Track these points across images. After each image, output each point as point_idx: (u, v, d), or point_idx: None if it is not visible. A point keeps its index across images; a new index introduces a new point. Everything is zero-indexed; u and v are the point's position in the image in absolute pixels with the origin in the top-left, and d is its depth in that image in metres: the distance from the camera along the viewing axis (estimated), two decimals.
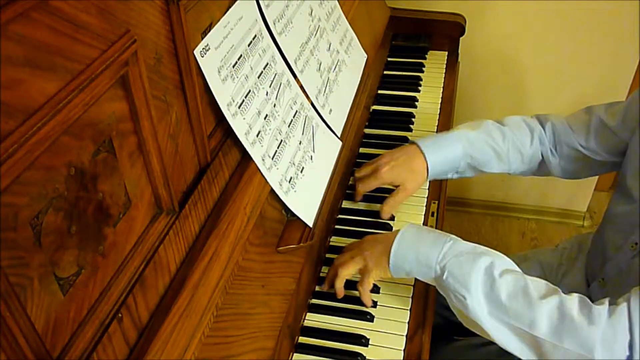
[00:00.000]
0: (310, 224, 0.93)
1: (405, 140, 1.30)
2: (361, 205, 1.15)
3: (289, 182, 0.91)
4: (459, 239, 0.89)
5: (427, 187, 1.18)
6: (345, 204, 1.15)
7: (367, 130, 1.34)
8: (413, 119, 1.37)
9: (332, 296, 0.98)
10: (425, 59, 1.57)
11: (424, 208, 1.14)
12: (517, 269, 0.84)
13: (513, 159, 1.11)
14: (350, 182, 1.18)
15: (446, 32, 1.60)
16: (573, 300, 0.77)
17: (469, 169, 1.12)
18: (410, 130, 1.34)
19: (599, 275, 1.06)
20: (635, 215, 0.97)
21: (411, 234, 0.90)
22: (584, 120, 1.10)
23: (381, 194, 1.16)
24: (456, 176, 1.14)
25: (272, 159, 0.89)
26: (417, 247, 0.88)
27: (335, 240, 1.08)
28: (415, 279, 0.99)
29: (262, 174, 0.85)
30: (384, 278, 0.94)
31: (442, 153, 1.08)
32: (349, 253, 0.96)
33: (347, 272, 0.94)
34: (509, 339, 0.80)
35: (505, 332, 0.80)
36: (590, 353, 0.73)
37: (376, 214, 1.12)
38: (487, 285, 0.80)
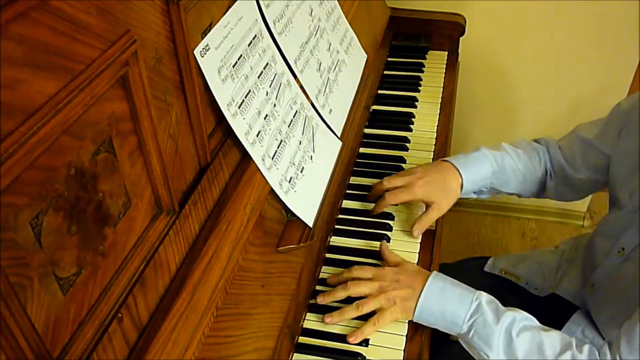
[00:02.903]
0: (310, 224, 0.93)
1: (405, 140, 1.30)
2: (361, 205, 1.15)
3: (289, 182, 0.91)
4: (482, 294, 0.91)
5: None
6: (345, 204, 1.15)
7: (367, 130, 1.34)
8: (413, 119, 1.37)
9: None
10: (425, 59, 1.57)
11: (424, 208, 1.14)
12: (536, 322, 0.89)
13: (528, 179, 1.14)
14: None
15: (446, 32, 1.60)
16: (584, 358, 0.82)
17: (490, 190, 1.14)
18: (410, 130, 1.34)
19: (589, 281, 1.06)
20: (623, 221, 0.98)
21: (438, 287, 0.91)
22: (570, 141, 1.13)
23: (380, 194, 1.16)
24: (473, 196, 1.14)
25: (272, 159, 0.89)
26: (444, 304, 0.90)
27: (335, 240, 1.08)
28: None
29: (262, 174, 0.85)
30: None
31: (475, 170, 1.09)
32: (368, 285, 0.92)
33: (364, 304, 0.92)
34: None
35: None
36: None
37: (376, 214, 1.12)
38: (507, 343, 0.86)
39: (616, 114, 1.06)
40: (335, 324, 0.93)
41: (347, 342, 0.90)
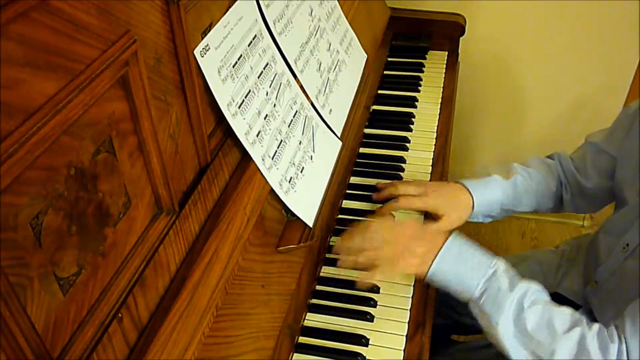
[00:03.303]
0: (310, 224, 0.93)
1: (405, 140, 1.31)
2: (361, 205, 1.15)
3: (289, 182, 0.91)
4: (501, 261, 0.90)
5: None
6: (345, 204, 1.15)
7: (367, 130, 1.34)
8: (413, 119, 1.37)
9: (332, 296, 0.98)
10: (425, 59, 1.57)
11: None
12: (548, 297, 0.89)
13: (541, 197, 1.14)
14: (369, 192, 1.14)
15: (446, 32, 1.60)
16: (593, 335, 0.83)
17: (501, 212, 1.14)
18: (410, 130, 1.34)
19: (592, 278, 1.07)
20: (627, 218, 0.98)
21: (456, 248, 0.91)
22: (581, 151, 1.14)
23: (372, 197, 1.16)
24: (487, 220, 1.15)
25: (272, 159, 0.89)
26: (460, 266, 0.89)
27: (335, 241, 1.08)
28: (415, 280, 0.99)
29: (262, 174, 0.85)
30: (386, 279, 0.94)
31: (486, 194, 1.09)
32: (379, 233, 0.93)
33: (373, 253, 0.91)
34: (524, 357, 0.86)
35: (525, 356, 0.85)
36: None
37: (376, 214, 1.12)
38: (517, 313, 0.85)
39: (624, 116, 1.06)
40: (347, 267, 0.94)
41: (347, 342, 0.91)
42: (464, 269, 0.89)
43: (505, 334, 0.85)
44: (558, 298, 1.14)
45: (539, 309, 0.85)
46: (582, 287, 1.11)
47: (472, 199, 1.08)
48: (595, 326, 0.84)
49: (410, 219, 1.00)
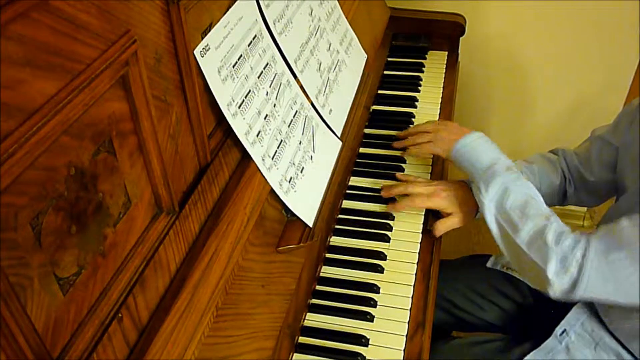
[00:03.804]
0: (310, 224, 0.93)
1: None
2: (361, 206, 1.15)
3: (289, 182, 0.91)
4: (508, 160, 1.05)
5: None
6: (345, 204, 1.15)
7: (367, 130, 1.34)
8: (413, 119, 1.37)
9: (332, 296, 0.98)
10: (425, 59, 1.57)
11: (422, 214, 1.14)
12: (537, 198, 0.99)
13: (545, 193, 1.15)
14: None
15: (446, 32, 1.60)
16: (553, 228, 0.92)
17: None
18: None
19: None
20: (628, 203, 1.00)
21: (476, 137, 1.09)
22: (585, 145, 1.17)
23: (381, 194, 1.16)
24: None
25: (272, 159, 0.89)
26: (475, 149, 1.07)
27: (335, 240, 1.08)
28: (415, 280, 1.00)
29: (262, 174, 0.85)
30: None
31: None
32: (425, 136, 1.16)
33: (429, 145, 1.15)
34: (497, 233, 1.00)
35: (496, 227, 0.99)
36: (544, 266, 0.90)
37: (376, 214, 1.12)
38: (500, 195, 0.99)
39: (628, 109, 1.08)
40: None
41: (347, 343, 0.91)
42: (477, 151, 1.07)
43: (487, 208, 0.99)
44: None
45: (520, 195, 0.97)
46: None
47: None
48: (563, 225, 0.93)
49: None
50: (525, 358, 1.04)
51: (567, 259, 0.88)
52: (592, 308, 1.06)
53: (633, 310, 0.93)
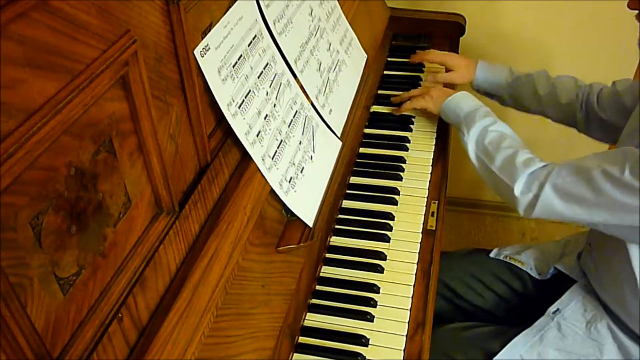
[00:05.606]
0: (310, 224, 0.93)
1: (405, 140, 1.31)
2: (361, 205, 1.15)
3: (289, 182, 0.91)
4: (488, 109, 1.20)
5: (427, 188, 1.19)
6: (345, 204, 1.15)
7: (367, 130, 1.34)
8: (413, 119, 1.37)
9: (332, 296, 0.98)
10: None
11: (424, 208, 1.14)
12: (512, 136, 1.13)
13: (546, 103, 1.33)
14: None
15: (446, 32, 1.60)
16: (524, 155, 1.04)
17: (510, 100, 1.41)
18: (410, 130, 1.34)
19: (587, 240, 1.11)
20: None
21: (462, 95, 1.24)
22: (606, 90, 1.30)
23: (381, 194, 1.16)
24: (499, 101, 1.44)
25: (272, 159, 0.89)
26: (459, 103, 1.22)
27: (335, 240, 1.08)
28: (415, 280, 1.00)
29: (262, 174, 0.85)
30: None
31: (488, 74, 1.39)
32: (419, 90, 1.37)
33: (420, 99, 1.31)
34: (478, 166, 1.12)
35: (477, 161, 1.12)
36: (513, 185, 1.01)
37: (376, 214, 1.12)
38: (480, 134, 1.13)
39: None
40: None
41: (347, 342, 0.91)
42: (461, 103, 1.22)
43: (469, 143, 1.13)
44: (557, 281, 1.16)
45: (497, 135, 1.10)
46: (578, 266, 1.14)
47: (476, 66, 1.39)
48: (534, 155, 1.04)
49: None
50: (517, 337, 1.05)
51: (532, 180, 0.99)
52: (589, 290, 1.07)
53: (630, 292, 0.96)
